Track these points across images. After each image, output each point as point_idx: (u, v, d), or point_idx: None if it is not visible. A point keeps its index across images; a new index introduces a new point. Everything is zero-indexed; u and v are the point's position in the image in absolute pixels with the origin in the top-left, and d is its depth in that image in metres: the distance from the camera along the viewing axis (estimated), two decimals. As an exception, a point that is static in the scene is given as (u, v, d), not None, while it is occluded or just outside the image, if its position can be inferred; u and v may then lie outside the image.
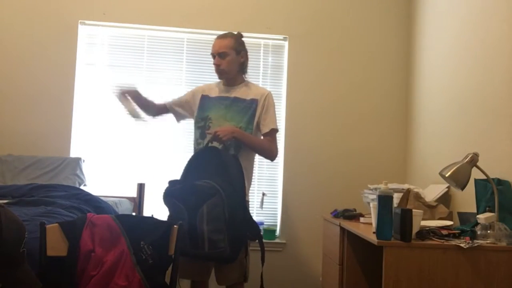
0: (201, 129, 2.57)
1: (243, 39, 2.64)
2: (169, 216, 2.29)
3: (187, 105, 2.70)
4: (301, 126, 3.72)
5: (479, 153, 2.19)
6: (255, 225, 2.36)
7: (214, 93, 2.62)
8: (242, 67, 2.62)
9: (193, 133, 2.64)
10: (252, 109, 2.54)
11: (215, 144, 2.38)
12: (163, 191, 2.28)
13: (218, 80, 2.67)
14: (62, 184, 2.94)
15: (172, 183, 2.28)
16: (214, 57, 2.57)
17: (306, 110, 3.73)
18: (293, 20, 3.76)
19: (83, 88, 3.64)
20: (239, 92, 2.58)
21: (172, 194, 2.23)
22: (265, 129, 2.53)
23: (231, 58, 2.55)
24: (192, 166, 2.33)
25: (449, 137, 2.98)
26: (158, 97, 2.86)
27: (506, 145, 2.36)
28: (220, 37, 2.58)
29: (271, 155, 2.56)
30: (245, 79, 2.67)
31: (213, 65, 2.60)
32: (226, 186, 2.19)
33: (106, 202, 2.73)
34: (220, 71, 2.57)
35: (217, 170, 2.26)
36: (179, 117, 2.78)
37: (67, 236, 1.89)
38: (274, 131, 2.56)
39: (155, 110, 2.72)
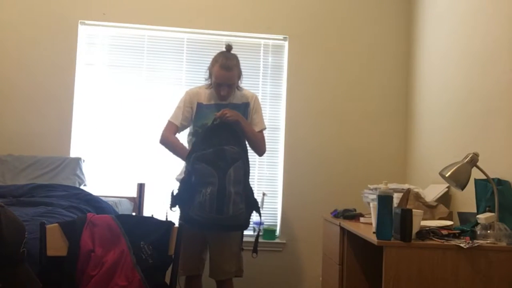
0: (198, 135, 2.57)
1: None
2: (194, 183, 2.33)
3: (191, 117, 2.68)
4: (301, 126, 3.72)
5: (479, 153, 2.19)
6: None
7: (208, 100, 2.65)
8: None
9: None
10: (246, 112, 2.66)
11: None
12: (191, 156, 2.35)
13: (206, 83, 2.68)
14: (62, 184, 2.94)
15: (196, 149, 2.38)
16: (220, 85, 2.58)
17: (306, 110, 3.73)
18: (293, 20, 3.76)
19: (83, 88, 3.63)
20: (232, 97, 2.66)
21: (204, 158, 2.32)
22: (257, 128, 2.67)
23: (235, 84, 2.64)
24: (210, 135, 2.43)
25: (449, 137, 2.97)
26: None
27: (506, 145, 2.36)
28: (226, 69, 2.55)
29: (262, 150, 2.70)
30: None
31: (216, 86, 2.61)
32: (243, 152, 2.42)
33: (106, 202, 2.73)
34: (225, 98, 2.62)
35: (233, 138, 2.43)
36: (182, 130, 2.76)
37: (67, 236, 1.89)
38: (263, 130, 2.72)
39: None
